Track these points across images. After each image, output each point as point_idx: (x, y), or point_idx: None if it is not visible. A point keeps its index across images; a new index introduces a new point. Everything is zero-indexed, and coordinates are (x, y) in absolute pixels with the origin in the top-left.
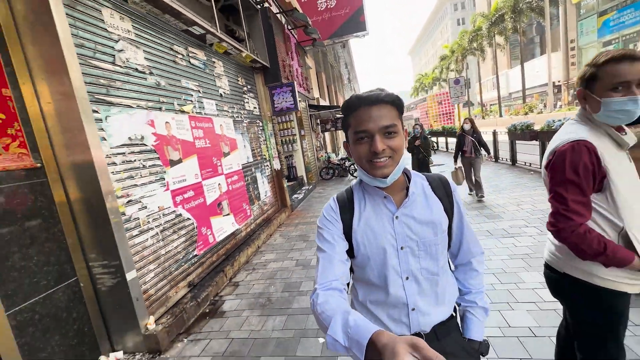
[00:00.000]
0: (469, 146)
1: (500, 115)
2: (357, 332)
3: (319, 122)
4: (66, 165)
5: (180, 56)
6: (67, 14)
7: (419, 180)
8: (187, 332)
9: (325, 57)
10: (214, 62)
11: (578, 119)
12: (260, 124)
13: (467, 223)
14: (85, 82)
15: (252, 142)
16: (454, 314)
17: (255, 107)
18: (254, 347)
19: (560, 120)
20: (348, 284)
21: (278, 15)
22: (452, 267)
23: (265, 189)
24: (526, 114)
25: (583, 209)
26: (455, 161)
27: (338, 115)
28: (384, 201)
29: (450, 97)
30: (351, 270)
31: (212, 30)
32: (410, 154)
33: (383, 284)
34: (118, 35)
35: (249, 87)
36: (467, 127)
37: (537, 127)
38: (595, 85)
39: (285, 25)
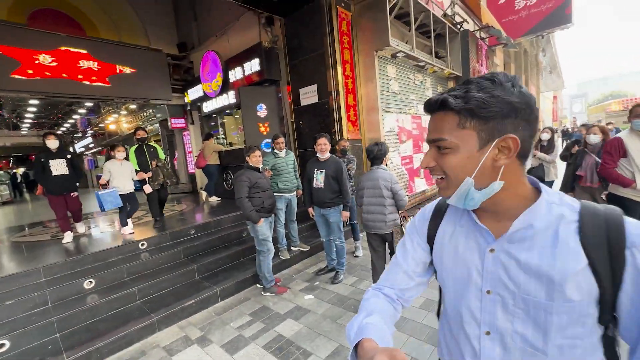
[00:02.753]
0: (589, 169)
1: None
2: (359, 332)
3: None
4: (368, 138)
5: (410, 80)
6: (379, 70)
7: (556, 210)
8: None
9: (508, 45)
10: (426, 79)
11: (629, 128)
12: None
13: None
14: (380, 101)
15: None
16: None
17: None
18: None
19: None
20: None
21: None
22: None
23: None
24: None
25: (612, 163)
26: (569, 191)
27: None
28: (477, 228)
29: None
30: None
31: (430, 61)
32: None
33: (457, 320)
34: (390, 76)
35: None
36: (595, 139)
37: None
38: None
39: (479, 37)
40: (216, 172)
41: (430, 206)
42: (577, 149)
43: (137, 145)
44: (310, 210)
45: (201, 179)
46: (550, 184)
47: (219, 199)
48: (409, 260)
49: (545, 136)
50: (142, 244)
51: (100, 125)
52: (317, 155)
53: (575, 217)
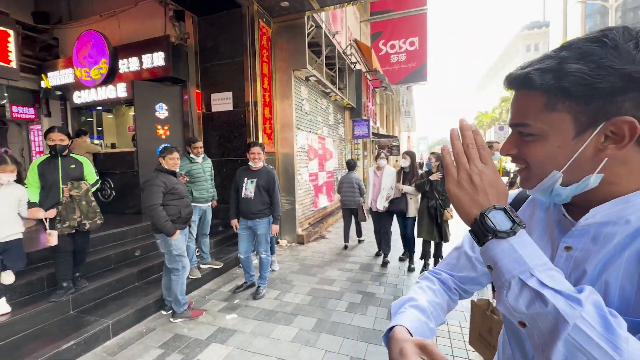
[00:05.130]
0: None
1: None
2: (397, 317)
3: (376, 146)
4: (281, 152)
5: (318, 104)
6: (294, 89)
7: None
8: (310, 241)
9: (387, 89)
10: (329, 105)
11: None
12: (344, 144)
13: None
14: (295, 118)
15: (339, 155)
16: None
17: (342, 133)
18: (340, 248)
19: None
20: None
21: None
22: None
23: None
24: None
25: None
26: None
27: (394, 144)
28: (561, 222)
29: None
30: None
31: (334, 90)
32: (420, 199)
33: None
34: (303, 96)
35: (341, 119)
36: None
37: None
38: None
39: (367, 78)
40: None
41: (512, 194)
42: (436, 177)
43: (46, 157)
44: (234, 221)
45: None
46: (413, 220)
47: None
48: (475, 247)
49: (405, 163)
50: None
51: None
52: (249, 163)
53: None
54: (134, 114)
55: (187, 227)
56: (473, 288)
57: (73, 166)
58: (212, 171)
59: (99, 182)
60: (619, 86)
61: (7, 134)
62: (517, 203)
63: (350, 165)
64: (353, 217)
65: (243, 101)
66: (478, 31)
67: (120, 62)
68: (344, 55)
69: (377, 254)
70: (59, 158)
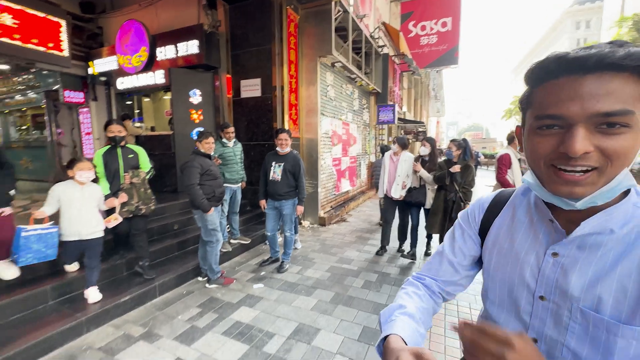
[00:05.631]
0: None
1: None
2: (389, 325)
3: (402, 132)
4: (306, 137)
5: (343, 89)
6: (320, 75)
7: None
8: (331, 223)
9: (415, 73)
10: (355, 90)
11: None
12: (368, 130)
13: None
14: (320, 104)
15: (362, 141)
16: None
17: (367, 118)
18: (360, 231)
19: None
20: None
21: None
22: None
23: (363, 172)
24: None
25: (505, 172)
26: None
27: (420, 129)
28: (547, 227)
29: None
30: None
31: (360, 75)
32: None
33: (502, 322)
34: (328, 82)
35: (366, 105)
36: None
37: None
38: None
39: (395, 62)
40: None
41: (488, 197)
42: (456, 170)
43: (107, 147)
44: (263, 202)
45: None
46: (424, 211)
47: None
48: (456, 251)
49: (424, 150)
50: None
51: None
52: (277, 149)
53: None
54: (170, 99)
55: (220, 205)
56: (456, 290)
57: (131, 156)
58: (242, 155)
59: (153, 170)
60: None
61: (58, 116)
62: (495, 205)
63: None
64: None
65: (270, 87)
66: (516, 11)
67: (158, 50)
68: (371, 39)
69: (378, 253)
70: (118, 148)
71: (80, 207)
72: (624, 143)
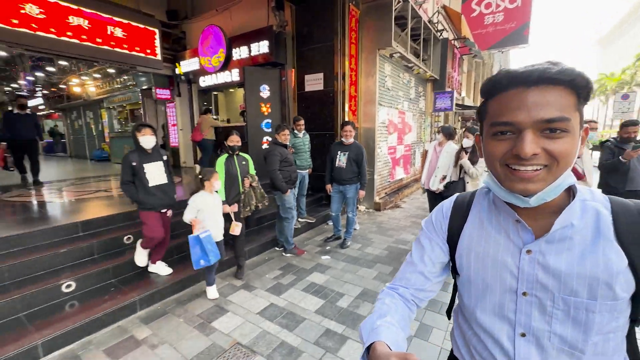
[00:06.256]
0: None
1: None
2: (372, 334)
3: (460, 119)
4: (363, 127)
5: (400, 78)
6: (379, 67)
7: (591, 207)
8: (386, 209)
9: (477, 56)
10: (411, 79)
11: None
12: (423, 117)
13: None
14: (378, 94)
15: (417, 129)
16: None
17: (423, 106)
18: (414, 217)
19: None
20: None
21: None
22: None
23: (417, 160)
24: None
25: None
26: None
27: None
28: (514, 226)
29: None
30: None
31: (417, 63)
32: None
33: (487, 323)
34: (386, 73)
35: (422, 92)
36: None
37: None
38: None
39: (455, 46)
40: (211, 147)
41: (448, 203)
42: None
43: (226, 156)
44: (329, 186)
45: (185, 153)
46: None
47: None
48: (425, 260)
49: (467, 142)
50: None
51: (60, 86)
52: (342, 139)
53: (607, 213)
54: (244, 94)
55: (294, 188)
56: (427, 296)
57: (244, 162)
58: (310, 144)
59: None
60: (584, 94)
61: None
62: (456, 210)
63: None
64: None
65: (332, 81)
66: None
67: (234, 50)
68: (429, 25)
69: None
70: (235, 156)
71: (214, 213)
72: (565, 145)
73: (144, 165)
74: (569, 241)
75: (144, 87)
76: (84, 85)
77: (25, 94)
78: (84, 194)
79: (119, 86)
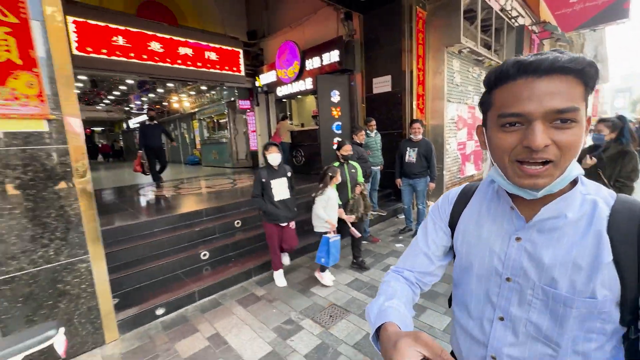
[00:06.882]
0: None
1: None
2: (380, 316)
3: None
4: (431, 124)
5: (470, 73)
6: (447, 64)
7: (590, 200)
8: None
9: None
10: (482, 72)
11: None
12: None
13: None
14: (446, 91)
15: None
16: None
17: None
18: None
19: None
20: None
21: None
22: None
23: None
24: None
25: None
26: None
27: None
28: (509, 213)
29: None
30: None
31: (489, 56)
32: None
33: (471, 302)
34: (454, 69)
35: None
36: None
37: None
38: None
39: (533, 31)
40: (287, 150)
41: (455, 190)
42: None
43: (338, 163)
44: (398, 181)
45: (262, 156)
46: None
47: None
48: (429, 243)
49: None
50: None
51: (163, 103)
52: (411, 136)
53: (607, 208)
54: (316, 101)
55: (368, 183)
56: (431, 280)
57: (353, 170)
58: (381, 142)
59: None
60: (591, 83)
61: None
62: (462, 197)
63: None
64: None
65: (400, 82)
66: None
67: (307, 61)
68: (501, 14)
69: None
70: (346, 164)
71: (334, 206)
72: (574, 136)
73: (271, 181)
74: (559, 232)
75: (229, 100)
76: (181, 101)
77: (150, 108)
78: (196, 190)
79: (207, 100)
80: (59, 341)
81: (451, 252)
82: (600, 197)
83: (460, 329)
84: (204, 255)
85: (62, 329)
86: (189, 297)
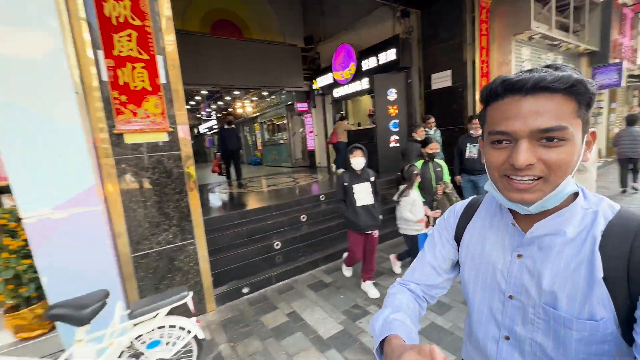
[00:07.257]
0: None
1: None
2: (385, 328)
3: (636, 93)
4: None
5: (542, 60)
6: (514, 53)
7: (590, 214)
8: None
9: None
10: (557, 58)
11: None
12: None
13: None
14: None
15: None
16: None
17: None
18: None
19: None
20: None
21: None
22: None
23: None
24: None
25: None
26: None
27: None
28: (510, 228)
29: None
30: None
31: (565, 39)
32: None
33: (476, 318)
34: (524, 57)
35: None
36: None
37: None
38: None
39: (624, 3)
40: (344, 148)
41: (462, 204)
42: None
43: (421, 161)
44: (458, 177)
45: (320, 155)
46: None
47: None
48: (437, 256)
49: None
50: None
51: (229, 109)
52: (471, 132)
53: (604, 224)
54: (373, 100)
55: None
56: (438, 293)
57: (439, 169)
58: (441, 139)
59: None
60: (584, 100)
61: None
62: (467, 211)
63: (630, 121)
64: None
65: (461, 77)
66: None
67: (363, 62)
68: None
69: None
70: (430, 162)
71: (421, 205)
72: (562, 155)
73: (353, 185)
74: (558, 249)
75: (287, 103)
76: (244, 106)
77: (226, 112)
78: (263, 188)
79: (267, 104)
80: (189, 301)
81: (458, 265)
82: (601, 210)
83: (470, 344)
84: (277, 245)
85: (191, 292)
86: (268, 280)
